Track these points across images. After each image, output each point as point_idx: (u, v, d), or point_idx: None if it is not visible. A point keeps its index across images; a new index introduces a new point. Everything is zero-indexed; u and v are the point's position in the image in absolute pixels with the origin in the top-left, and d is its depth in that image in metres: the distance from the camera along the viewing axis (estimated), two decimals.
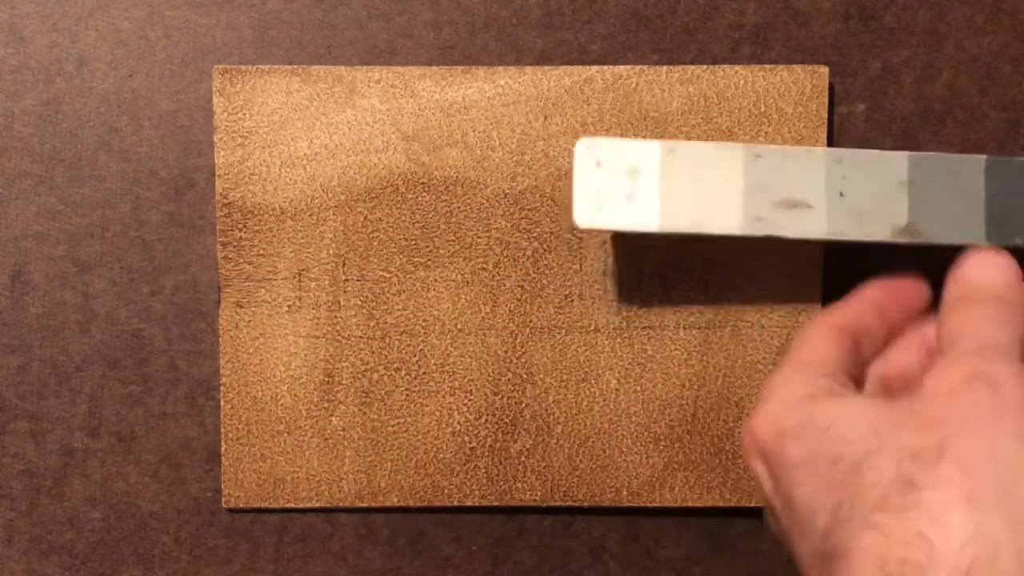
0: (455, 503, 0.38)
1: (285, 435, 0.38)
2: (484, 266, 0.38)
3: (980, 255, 0.32)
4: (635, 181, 0.34)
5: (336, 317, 0.38)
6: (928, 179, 0.34)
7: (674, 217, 0.34)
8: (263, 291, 0.38)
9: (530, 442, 0.38)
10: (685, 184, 0.34)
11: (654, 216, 0.34)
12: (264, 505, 0.38)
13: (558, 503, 0.38)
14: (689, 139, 0.37)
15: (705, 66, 0.37)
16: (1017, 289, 0.31)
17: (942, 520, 0.25)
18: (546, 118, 0.37)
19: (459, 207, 0.38)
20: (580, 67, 0.37)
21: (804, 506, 0.28)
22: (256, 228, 0.38)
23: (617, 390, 0.38)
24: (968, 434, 0.26)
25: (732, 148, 0.34)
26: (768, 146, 0.34)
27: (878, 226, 0.34)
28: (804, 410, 0.29)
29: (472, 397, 0.38)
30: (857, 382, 0.32)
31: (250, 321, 0.38)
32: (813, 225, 0.34)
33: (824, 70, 0.37)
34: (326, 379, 0.38)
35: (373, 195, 0.38)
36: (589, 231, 0.37)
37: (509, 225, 0.38)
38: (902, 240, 0.34)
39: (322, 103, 0.37)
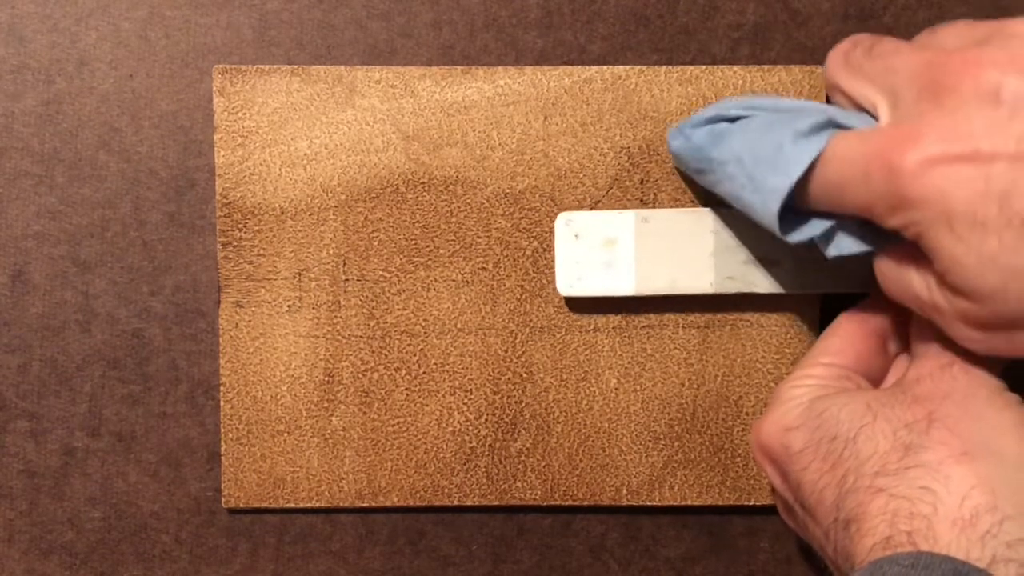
0: (455, 503, 0.39)
1: (285, 435, 0.39)
2: (484, 266, 0.39)
3: None
4: (612, 250, 0.37)
5: (336, 317, 0.39)
6: None
7: (650, 281, 0.37)
8: (263, 291, 0.39)
9: (530, 442, 0.39)
10: (659, 249, 0.37)
11: (631, 281, 0.38)
12: (264, 505, 0.40)
13: (558, 502, 0.39)
14: None
15: (704, 66, 0.38)
16: None
17: (944, 473, 0.28)
18: (546, 118, 0.38)
19: (459, 207, 0.39)
20: (580, 67, 0.38)
21: (812, 487, 0.32)
22: (256, 228, 0.39)
23: (617, 389, 0.39)
24: (952, 405, 0.30)
25: (702, 213, 0.37)
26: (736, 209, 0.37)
27: (845, 277, 0.37)
28: (803, 407, 0.33)
29: (472, 397, 0.39)
30: (880, 374, 0.35)
31: (250, 321, 0.39)
32: (783, 280, 0.37)
33: (822, 71, 0.38)
34: (326, 379, 0.39)
35: (373, 195, 0.39)
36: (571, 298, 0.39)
37: (509, 225, 0.39)
38: (869, 290, 0.36)
39: (322, 103, 0.38)
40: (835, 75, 0.32)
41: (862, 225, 0.31)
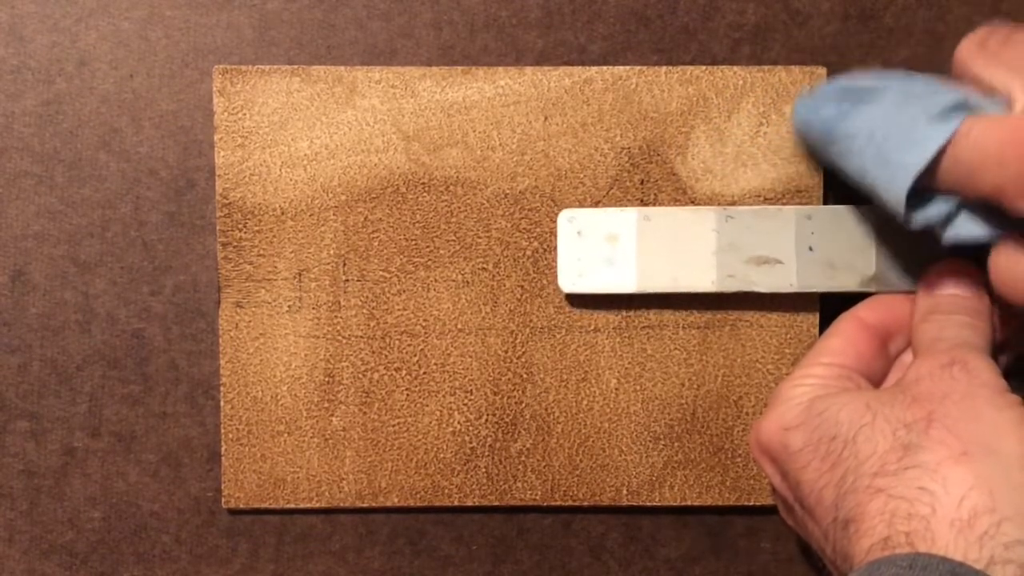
0: (455, 503, 0.40)
1: (285, 435, 0.39)
2: (484, 266, 0.39)
3: (949, 268, 0.34)
4: (614, 247, 0.38)
5: (336, 317, 0.39)
6: (896, 230, 0.37)
7: (651, 278, 0.38)
8: (263, 291, 0.39)
9: (530, 442, 0.39)
10: (661, 247, 0.38)
11: (632, 278, 0.38)
12: (264, 505, 0.40)
13: (558, 503, 0.39)
14: (688, 139, 0.38)
15: (704, 66, 0.38)
16: (982, 299, 0.35)
17: (942, 474, 0.28)
18: (546, 118, 0.39)
19: (459, 207, 0.39)
20: (580, 67, 0.39)
21: (812, 486, 0.32)
22: (256, 228, 0.39)
23: (617, 389, 0.39)
24: (951, 405, 0.30)
25: (705, 211, 0.38)
26: (738, 207, 0.38)
27: (847, 277, 0.37)
28: (803, 406, 0.33)
29: (472, 397, 0.39)
30: (881, 375, 0.36)
31: (250, 321, 0.39)
32: (784, 279, 0.37)
33: (822, 71, 0.38)
34: (326, 379, 0.39)
35: (373, 195, 0.39)
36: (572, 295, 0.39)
37: (509, 225, 0.39)
38: (871, 289, 0.37)
39: (322, 103, 0.38)
40: (969, 61, 0.32)
41: (985, 210, 0.31)
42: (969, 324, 0.33)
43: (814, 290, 0.37)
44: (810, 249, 0.37)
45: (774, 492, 0.36)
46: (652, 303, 0.39)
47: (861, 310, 0.36)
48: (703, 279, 0.38)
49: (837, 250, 0.37)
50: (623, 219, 0.38)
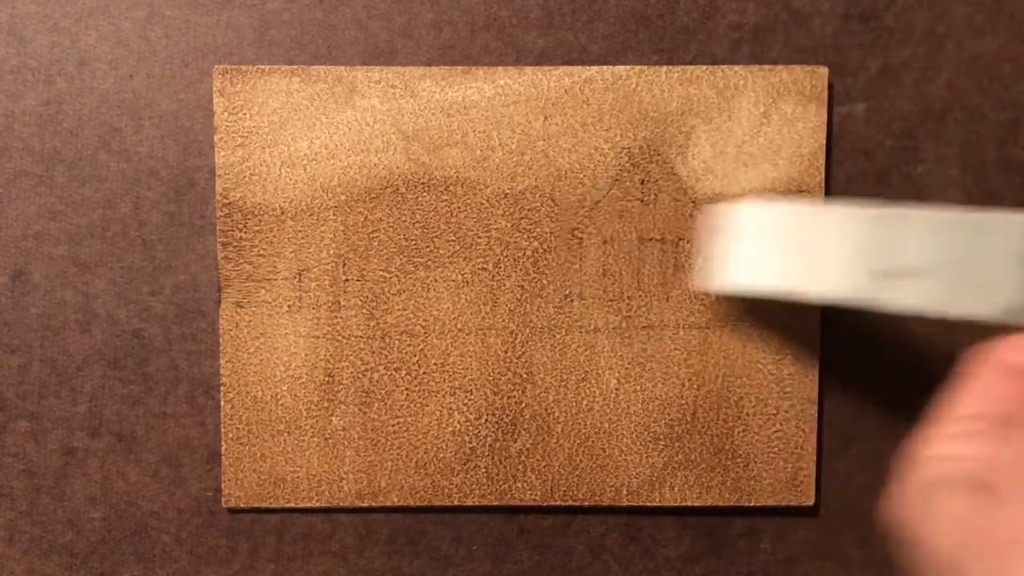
0: (455, 503, 0.39)
1: (285, 435, 0.39)
2: (484, 266, 0.39)
3: None
4: (749, 244, 0.36)
5: (336, 317, 0.39)
6: None
7: (781, 278, 0.35)
8: (263, 291, 0.39)
9: (530, 442, 0.39)
10: (797, 247, 0.34)
11: (762, 276, 0.35)
12: (264, 505, 0.39)
13: (558, 503, 0.39)
14: (688, 138, 0.38)
15: (705, 66, 0.38)
16: None
17: None
18: (546, 118, 0.38)
19: (459, 207, 0.39)
20: (580, 67, 0.38)
21: None
22: (256, 228, 0.39)
23: (617, 390, 0.39)
24: None
25: (846, 213, 0.34)
26: (889, 209, 0.33)
27: (987, 304, 0.32)
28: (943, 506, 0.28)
29: (472, 397, 0.39)
30: None
31: (250, 321, 0.39)
32: (928, 293, 0.32)
33: (823, 70, 0.38)
34: (326, 379, 0.39)
35: (373, 195, 0.39)
36: (707, 292, 0.39)
37: (509, 225, 0.39)
38: (1017, 321, 0.31)
39: (322, 103, 0.38)
40: None
41: None
42: None
43: (956, 316, 0.32)
44: (953, 265, 0.32)
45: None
46: (652, 303, 0.39)
47: (1007, 353, 0.30)
48: (840, 286, 0.33)
49: (983, 269, 0.32)
50: (759, 214, 0.35)
